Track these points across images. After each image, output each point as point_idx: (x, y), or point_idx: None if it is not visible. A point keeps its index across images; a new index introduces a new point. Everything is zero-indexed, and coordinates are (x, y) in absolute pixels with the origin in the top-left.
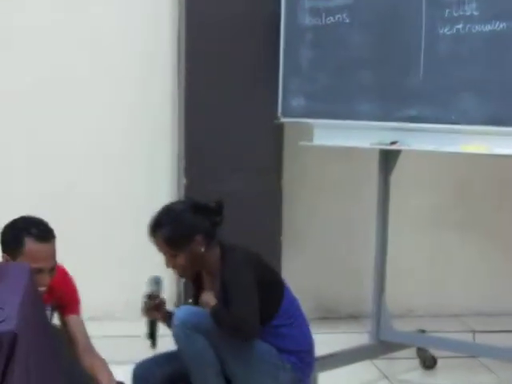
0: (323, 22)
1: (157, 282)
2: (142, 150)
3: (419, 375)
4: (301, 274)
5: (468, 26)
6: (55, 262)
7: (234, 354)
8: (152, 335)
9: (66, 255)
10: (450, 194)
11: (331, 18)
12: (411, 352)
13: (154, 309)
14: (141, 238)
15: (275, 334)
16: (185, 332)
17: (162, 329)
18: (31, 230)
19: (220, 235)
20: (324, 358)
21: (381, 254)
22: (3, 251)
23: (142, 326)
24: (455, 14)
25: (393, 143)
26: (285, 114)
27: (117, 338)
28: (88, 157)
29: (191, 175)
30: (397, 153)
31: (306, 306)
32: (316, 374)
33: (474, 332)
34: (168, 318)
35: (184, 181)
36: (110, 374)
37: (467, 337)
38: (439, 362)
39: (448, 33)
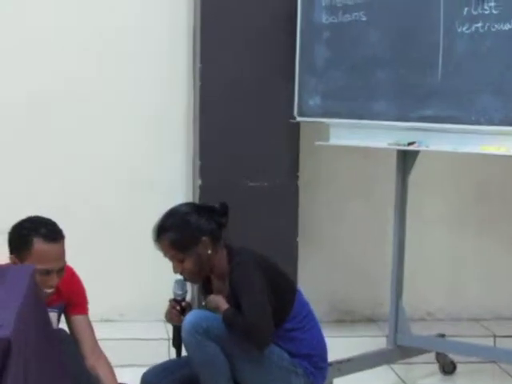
0: (340, 19)
1: (182, 285)
2: (157, 150)
3: (438, 381)
4: (317, 275)
5: (487, 24)
6: (64, 262)
7: (246, 359)
8: (177, 343)
9: (80, 256)
10: (469, 195)
11: (348, 15)
12: (430, 357)
13: (180, 314)
14: None
15: (287, 337)
16: (195, 337)
17: None
18: (40, 230)
19: (226, 237)
20: (340, 362)
21: (398, 256)
22: (11, 252)
23: (156, 329)
24: (474, 13)
25: (410, 144)
26: (301, 114)
27: (131, 340)
28: (101, 156)
29: (206, 176)
30: (415, 153)
31: (322, 309)
32: (331, 379)
33: (494, 336)
34: None
35: (199, 182)
36: (113, 375)
37: (488, 341)
38: (459, 367)
39: (467, 31)
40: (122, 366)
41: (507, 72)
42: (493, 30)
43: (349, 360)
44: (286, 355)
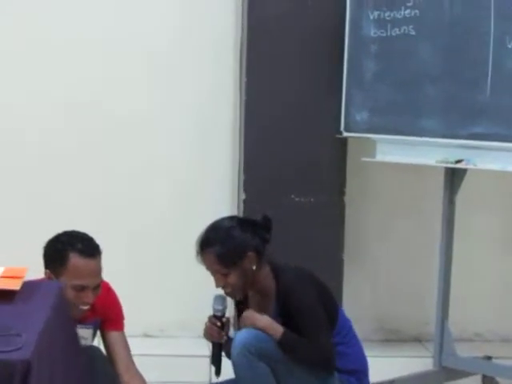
0: (388, 33)
1: (222, 300)
2: (202, 163)
3: None
4: (362, 293)
5: None
6: (100, 279)
7: (298, 379)
8: (217, 360)
9: (121, 271)
10: None
11: (397, 29)
12: (476, 379)
13: (221, 330)
14: None
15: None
16: (247, 357)
17: None
18: (76, 245)
19: (268, 253)
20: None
21: (444, 274)
22: (46, 267)
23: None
24: None
25: (458, 161)
26: (348, 129)
27: (171, 357)
28: (145, 170)
29: (250, 190)
30: (463, 171)
31: (368, 328)
32: None
33: None
34: (225, 342)
35: (243, 196)
36: None
37: None
38: None
39: None
40: (162, 382)
41: None
42: None
43: (391, 382)
44: (335, 372)
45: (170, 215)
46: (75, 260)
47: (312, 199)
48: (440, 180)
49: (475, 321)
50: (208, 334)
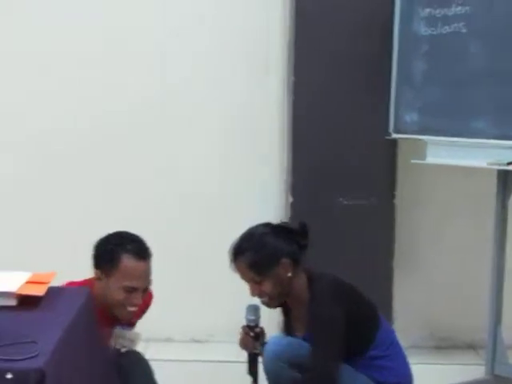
0: (439, 31)
1: (255, 310)
2: (248, 166)
3: None
4: (414, 299)
5: None
6: (150, 282)
7: None
8: (252, 371)
9: (170, 275)
10: None
11: (447, 27)
12: None
13: (254, 340)
14: None
15: (372, 366)
16: (279, 365)
17: None
18: (128, 246)
19: (306, 261)
20: None
21: (497, 280)
22: (96, 267)
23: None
24: None
25: (510, 163)
26: (397, 130)
27: (219, 363)
28: (191, 170)
29: (298, 193)
30: None
31: (419, 334)
32: None
33: None
34: (261, 352)
35: (291, 199)
36: None
37: None
38: None
39: None
40: None
41: None
42: None
43: None
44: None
45: (218, 219)
46: (128, 261)
47: (361, 202)
48: (493, 182)
49: None
50: (242, 345)
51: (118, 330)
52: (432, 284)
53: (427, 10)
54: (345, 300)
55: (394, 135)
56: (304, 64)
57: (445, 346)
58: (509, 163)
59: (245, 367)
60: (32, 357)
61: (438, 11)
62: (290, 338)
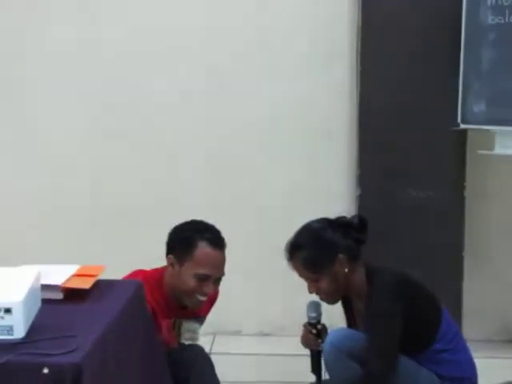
0: (507, 19)
1: (316, 307)
2: (317, 159)
3: None
4: (484, 292)
5: None
6: (223, 273)
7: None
8: (316, 368)
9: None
10: None
11: None
12: None
13: (317, 337)
14: None
15: (435, 359)
16: (338, 357)
17: None
18: (205, 234)
19: (366, 255)
20: None
21: None
22: (170, 252)
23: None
24: None
25: None
26: (465, 121)
27: (290, 356)
28: (259, 163)
29: (366, 185)
30: None
31: (491, 328)
32: None
33: None
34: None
35: (358, 191)
36: None
37: None
38: None
39: None
40: (279, 382)
41: None
42: None
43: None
44: (435, 378)
45: (285, 213)
46: (203, 249)
47: (430, 193)
48: None
49: None
50: (304, 342)
51: (183, 322)
52: (504, 277)
53: None
54: (406, 295)
55: (463, 126)
56: (372, 55)
57: None
58: None
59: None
60: (69, 351)
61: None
62: (350, 330)
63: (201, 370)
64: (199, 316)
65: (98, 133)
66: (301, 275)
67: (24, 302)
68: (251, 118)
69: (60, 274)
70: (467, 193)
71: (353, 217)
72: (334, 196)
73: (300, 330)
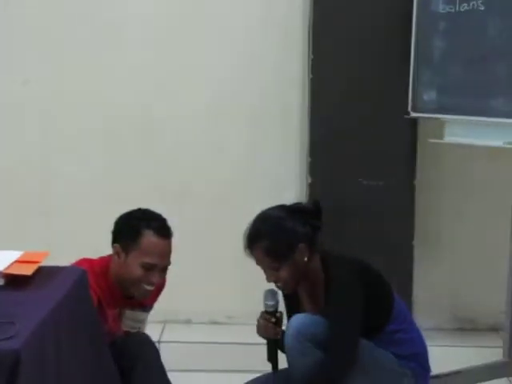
0: (457, 9)
1: (274, 295)
2: (268, 146)
3: None
4: (434, 281)
5: None
6: (169, 262)
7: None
8: (272, 357)
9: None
10: None
11: (465, 4)
12: None
13: (275, 326)
14: None
15: (391, 340)
16: (300, 343)
17: None
18: (151, 223)
19: (322, 243)
20: (447, 375)
21: None
22: (116, 241)
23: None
24: None
25: None
26: (415, 109)
27: (238, 345)
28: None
29: (316, 173)
30: None
31: (442, 316)
32: None
33: None
34: (282, 336)
35: (309, 179)
36: None
37: None
38: None
39: None
40: (230, 371)
41: None
42: None
43: (457, 372)
44: (394, 358)
45: (234, 200)
46: (149, 238)
47: (380, 182)
48: None
49: None
50: (262, 331)
51: (128, 312)
52: (454, 265)
53: None
54: (364, 281)
55: (413, 114)
56: (322, 43)
57: (467, 328)
58: None
59: (264, 350)
60: (7, 338)
61: None
62: (312, 316)
63: (146, 359)
64: (145, 306)
65: None
66: (260, 264)
67: None
68: (195, 100)
69: (2, 260)
70: (417, 181)
71: (307, 203)
72: (284, 184)
73: (253, 319)
